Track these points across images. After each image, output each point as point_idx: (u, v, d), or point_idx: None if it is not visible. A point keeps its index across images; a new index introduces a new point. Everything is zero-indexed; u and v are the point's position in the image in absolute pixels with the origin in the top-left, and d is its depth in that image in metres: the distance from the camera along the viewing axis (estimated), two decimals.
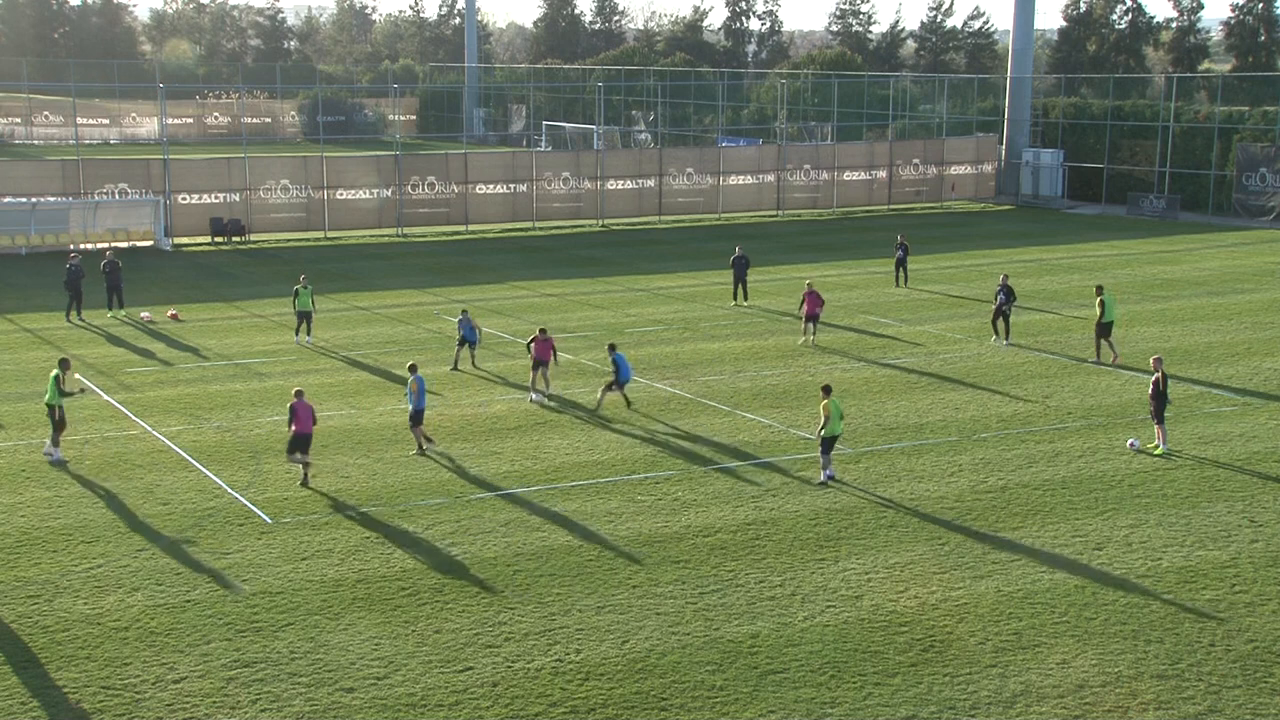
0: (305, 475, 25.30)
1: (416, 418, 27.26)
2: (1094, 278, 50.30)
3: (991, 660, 18.01)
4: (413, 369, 27.62)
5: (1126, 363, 35.52)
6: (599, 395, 30.93)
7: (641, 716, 16.51)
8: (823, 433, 25.44)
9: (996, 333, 38.35)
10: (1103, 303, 35.63)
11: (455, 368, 34.81)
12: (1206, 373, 34.71)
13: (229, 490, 24.91)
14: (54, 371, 27.05)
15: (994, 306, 38.40)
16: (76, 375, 33.51)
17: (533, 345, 31.69)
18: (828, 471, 25.65)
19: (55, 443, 26.88)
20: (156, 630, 18.79)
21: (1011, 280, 40.23)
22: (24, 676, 17.41)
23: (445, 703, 16.78)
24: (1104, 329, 35.88)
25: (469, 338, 34.75)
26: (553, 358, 32.02)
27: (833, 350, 37.29)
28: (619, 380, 30.46)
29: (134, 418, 29.86)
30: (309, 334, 38.22)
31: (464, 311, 35.63)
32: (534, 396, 31.64)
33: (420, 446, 27.39)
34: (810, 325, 37.75)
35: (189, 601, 19.78)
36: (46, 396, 26.86)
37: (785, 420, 29.95)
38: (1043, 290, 47.49)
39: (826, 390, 25.70)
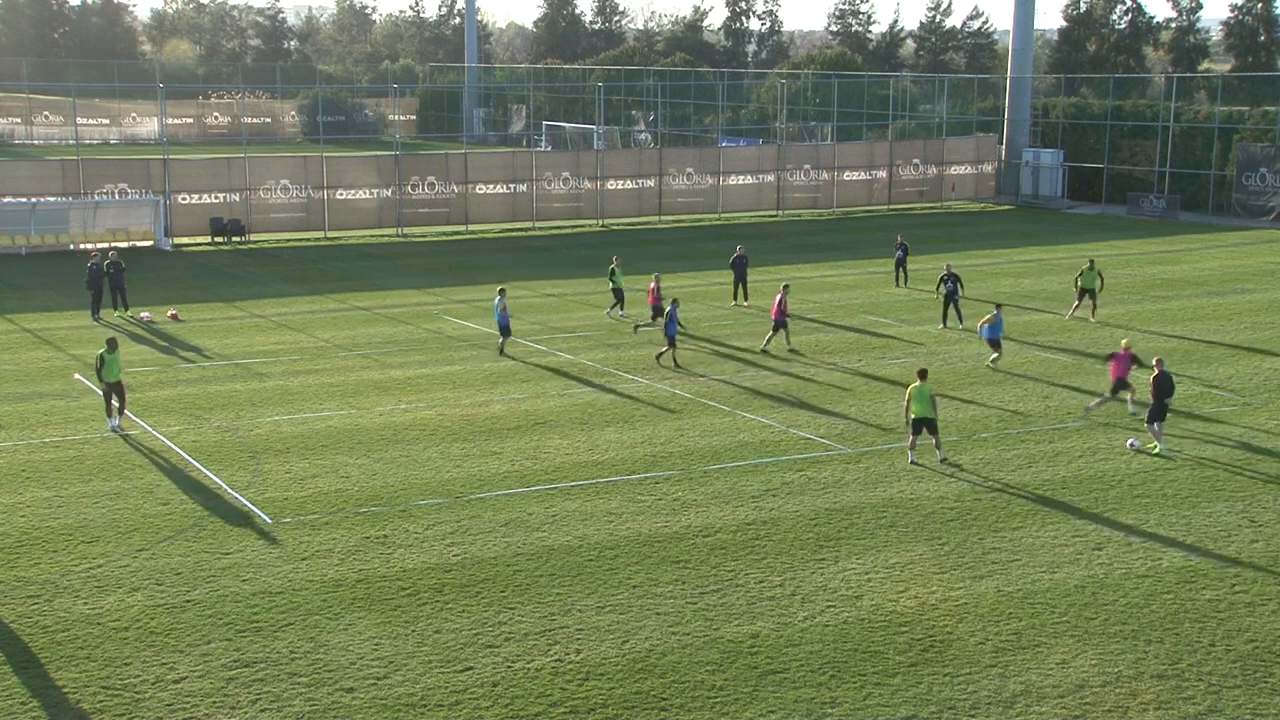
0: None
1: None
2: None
3: (991, 660, 18.01)
4: (501, 293, 36.31)
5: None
6: None
7: (641, 716, 16.51)
8: (912, 414, 26.44)
9: (946, 322, 40.22)
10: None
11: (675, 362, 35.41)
12: (1206, 373, 34.71)
13: (229, 490, 24.91)
14: (101, 351, 29.18)
15: (943, 295, 40.23)
16: (76, 375, 33.56)
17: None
18: (911, 455, 26.89)
19: (121, 411, 29.30)
20: (156, 630, 18.79)
21: (959, 270, 42.16)
22: (24, 676, 17.41)
23: (445, 703, 16.78)
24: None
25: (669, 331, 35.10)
26: None
27: (832, 350, 37.29)
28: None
29: (134, 418, 29.84)
30: (622, 310, 41.92)
31: (674, 301, 35.85)
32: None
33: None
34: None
35: (189, 601, 19.77)
36: (111, 373, 28.79)
37: (785, 420, 29.94)
38: (1043, 290, 47.49)
39: (921, 374, 26.58)
